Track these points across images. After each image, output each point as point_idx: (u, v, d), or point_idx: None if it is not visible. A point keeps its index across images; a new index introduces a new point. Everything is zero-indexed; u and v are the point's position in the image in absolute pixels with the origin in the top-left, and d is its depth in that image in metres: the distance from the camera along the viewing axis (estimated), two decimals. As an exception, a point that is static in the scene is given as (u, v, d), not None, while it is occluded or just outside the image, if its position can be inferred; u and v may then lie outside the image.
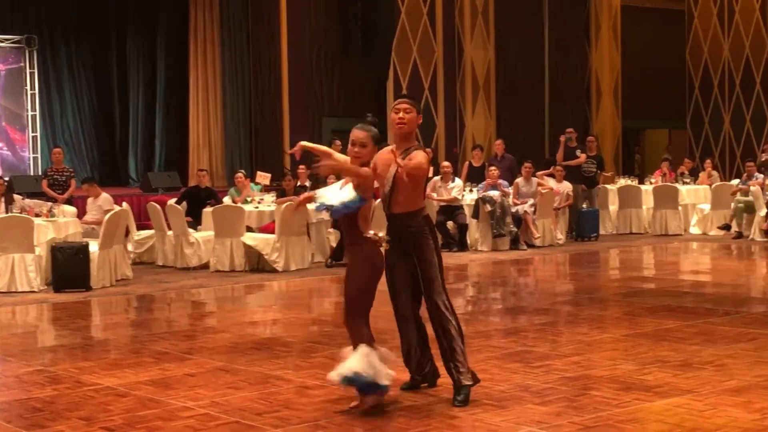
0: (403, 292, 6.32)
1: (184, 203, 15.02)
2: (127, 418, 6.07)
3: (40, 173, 18.57)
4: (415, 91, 21.39)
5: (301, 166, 16.53)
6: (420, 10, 21.54)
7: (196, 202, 15.10)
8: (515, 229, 16.08)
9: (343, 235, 6.59)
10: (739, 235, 17.22)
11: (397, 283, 6.31)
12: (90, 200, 14.56)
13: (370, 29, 20.70)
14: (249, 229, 14.26)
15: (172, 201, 15.16)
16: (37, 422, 6.03)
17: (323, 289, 12.64)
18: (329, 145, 18.29)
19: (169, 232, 14.61)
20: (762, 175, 17.49)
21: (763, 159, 19.21)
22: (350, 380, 6.01)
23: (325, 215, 13.50)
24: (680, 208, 18.65)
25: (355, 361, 5.96)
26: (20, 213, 12.94)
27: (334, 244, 14.46)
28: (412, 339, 6.39)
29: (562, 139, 17.99)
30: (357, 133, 6.18)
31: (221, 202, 15.09)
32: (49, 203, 14.20)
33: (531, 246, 16.25)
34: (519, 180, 16.79)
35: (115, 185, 20.24)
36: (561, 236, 17.03)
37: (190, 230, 14.43)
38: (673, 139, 26.72)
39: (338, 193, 6.11)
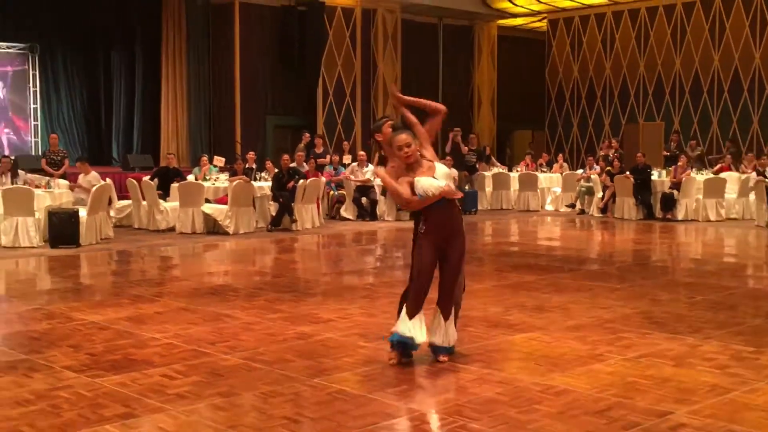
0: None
1: (156, 180, 14.77)
2: (107, 346, 5.99)
3: (39, 154, 18.03)
4: (339, 96, 21.32)
5: (250, 153, 16.36)
6: (344, 34, 21.46)
7: (166, 179, 14.87)
8: (414, 205, 16.08)
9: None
10: (582, 212, 17.58)
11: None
12: (81, 176, 14.19)
13: (304, 47, 20.48)
14: (207, 201, 14.10)
15: (146, 178, 14.88)
16: (35, 349, 5.91)
17: (265, 248, 12.56)
18: (300, 138, 18.21)
19: (144, 202, 14.36)
20: (598, 166, 17.86)
21: (601, 154, 19.57)
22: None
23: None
24: (539, 190, 18.96)
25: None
26: (24, 185, 12.60)
27: (274, 213, 14.36)
28: None
29: (451, 135, 18.15)
30: (400, 138, 5.00)
31: (185, 179, 14.87)
32: (47, 178, 13.85)
33: (426, 217, 16.28)
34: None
35: (101, 165, 19.69)
36: (449, 210, 17.12)
37: (160, 201, 14.21)
38: (534, 138, 27.02)
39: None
